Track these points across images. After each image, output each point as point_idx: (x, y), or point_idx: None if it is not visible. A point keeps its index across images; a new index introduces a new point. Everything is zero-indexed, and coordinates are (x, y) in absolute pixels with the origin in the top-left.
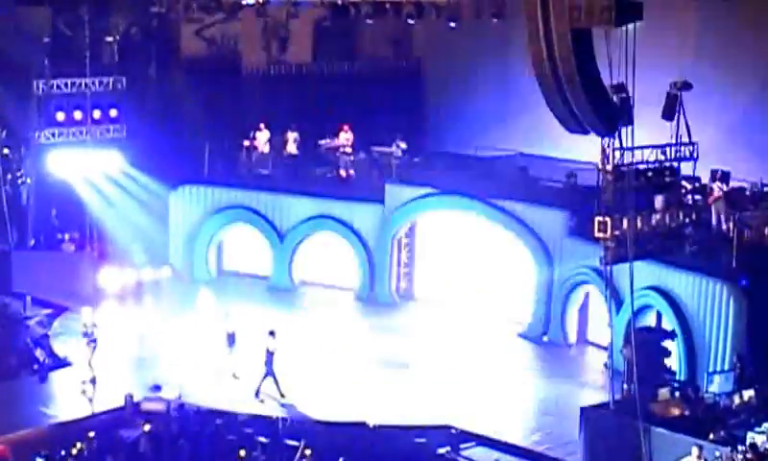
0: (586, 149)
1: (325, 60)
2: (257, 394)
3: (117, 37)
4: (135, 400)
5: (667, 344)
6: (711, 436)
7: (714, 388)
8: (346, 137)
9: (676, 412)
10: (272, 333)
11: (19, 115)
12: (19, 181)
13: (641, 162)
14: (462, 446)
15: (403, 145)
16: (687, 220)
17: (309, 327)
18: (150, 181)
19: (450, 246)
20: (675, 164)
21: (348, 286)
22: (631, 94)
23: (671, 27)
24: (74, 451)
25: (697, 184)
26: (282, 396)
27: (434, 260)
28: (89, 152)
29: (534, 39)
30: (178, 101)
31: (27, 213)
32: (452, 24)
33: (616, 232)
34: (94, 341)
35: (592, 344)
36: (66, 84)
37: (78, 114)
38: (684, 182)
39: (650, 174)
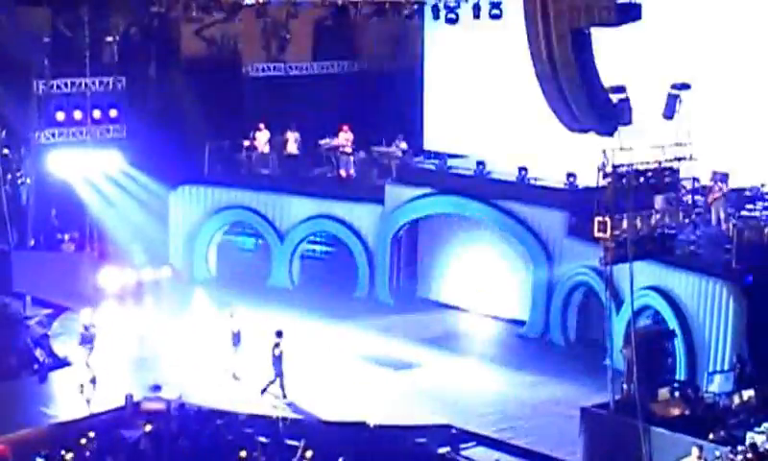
0: (586, 149)
1: (326, 60)
2: (263, 392)
3: (117, 37)
4: (136, 400)
5: (667, 344)
6: (711, 436)
7: (714, 388)
8: (345, 137)
9: (676, 412)
10: (279, 334)
11: (19, 115)
12: (19, 181)
13: (641, 162)
14: (462, 446)
15: (403, 145)
16: (687, 220)
17: (309, 327)
18: (150, 181)
19: (450, 246)
20: (675, 164)
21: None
22: (630, 94)
23: (671, 26)
24: (73, 453)
25: (697, 185)
26: (284, 396)
27: (434, 260)
28: (89, 152)
29: (534, 40)
30: (177, 101)
31: (27, 213)
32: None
33: (616, 232)
34: (91, 341)
35: (592, 344)
36: (66, 84)
37: (78, 114)
38: (683, 183)
39: (650, 174)
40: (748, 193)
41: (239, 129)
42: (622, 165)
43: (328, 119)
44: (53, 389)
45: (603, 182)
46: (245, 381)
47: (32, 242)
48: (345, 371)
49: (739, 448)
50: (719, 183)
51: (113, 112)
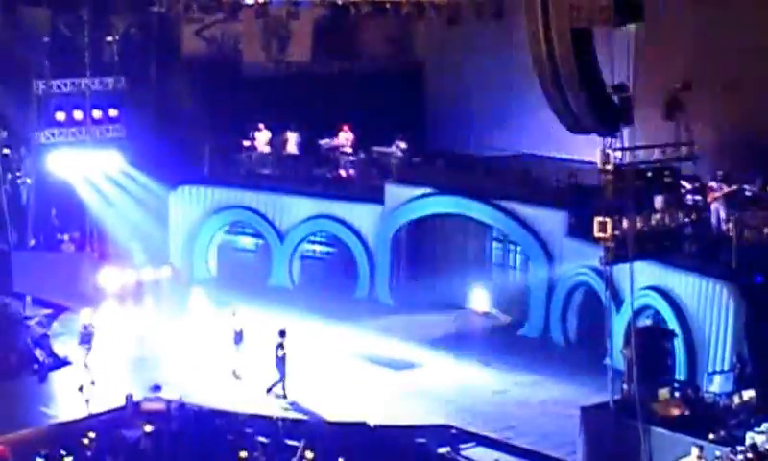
0: (586, 149)
1: (326, 59)
2: (269, 391)
3: (117, 37)
4: (136, 400)
5: (667, 344)
6: (711, 436)
7: (714, 388)
8: (345, 137)
9: (676, 412)
10: (282, 333)
11: (19, 115)
12: (19, 181)
13: (641, 162)
14: (462, 446)
15: (403, 145)
16: (687, 220)
17: (309, 327)
18: (150, 181)
19: (449, 244)
20: (675, 164)
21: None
22: (631, 94)
23: (672, 26)
24: (73, 454)
25: (697, 184)
26: (285, 396)
27: (434, 260)
28: (89, 152)
29: (534, 39)
30: (178, 101)
31: (27, 213)
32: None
33: (616, 232)
34: (89, 341)
35: (592, 344)
36: (66, 84)
37: (78, 114)
38: (683, 183)
39: (650, 174)
40: (748, 193)
41: (239, 129)
42: (622, 165)
43: (328, 119)
44: (53, 389)
45: (603, 182)
46: (246, 381)
47: (32, 242)
48: (345, 371)
49: (739, 448)
50: (719, 183)
51: (113, 112)
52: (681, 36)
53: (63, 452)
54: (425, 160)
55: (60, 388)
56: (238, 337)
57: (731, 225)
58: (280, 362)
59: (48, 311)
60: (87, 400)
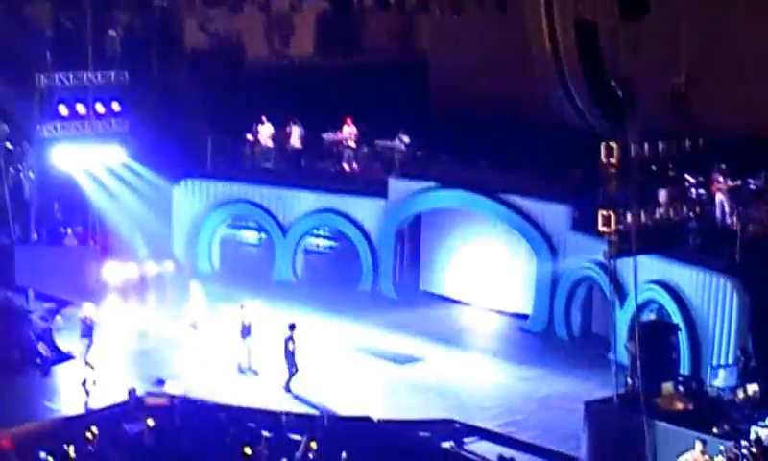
0: (588, 143)
1: (328, 53)
2: (288, 389)
3: (120, 31)
4: (139, 394)
5: (671, 338)
6: (715, 430)
7: (718, 382)
8: (349, 131)
9: (680, 406)
10: (292, 327)
11: (22, 109)
12: (22, 176)
13: (645, 156)
14: (465, 440)
15: (406, 139)
16: (691, 214)
17: (312, 321)
18: (152, 175)
19: (454, 239)
20: (679, 158)
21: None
22: (635, 88)
23: (675, 20)
24: (77, 445)
25: (701, 178)
26: (289, 390)
27: (437, 254)
28: (92, 146)
29: (538, 33)
30: (180, 95)
31: (30, 207)
32: (455, 17)
33: (620, 227)
34: (89, 335)
35: (596, 338)
36: (69, 78)
37: (80, 108)
38: (687, 177)
39: (654, 168)
40: (752, 187)
41: (242, 123)
42: (626, 159)
43: (331, 113)
44: (56, 383)
45: (607, 177)
46: (251, 374)
47: (34, 236)
48: (348, 365)
49: (743, 442)
50: (723, 177)
51: (116, 106)
52: (684, 29)
53: (66, 446)
54: (428, 154)
55: (63, 382)
56: (246, 331)
57: (735, 219)
58: (290, 356)
59: (51, 305)
60: (88, 395)
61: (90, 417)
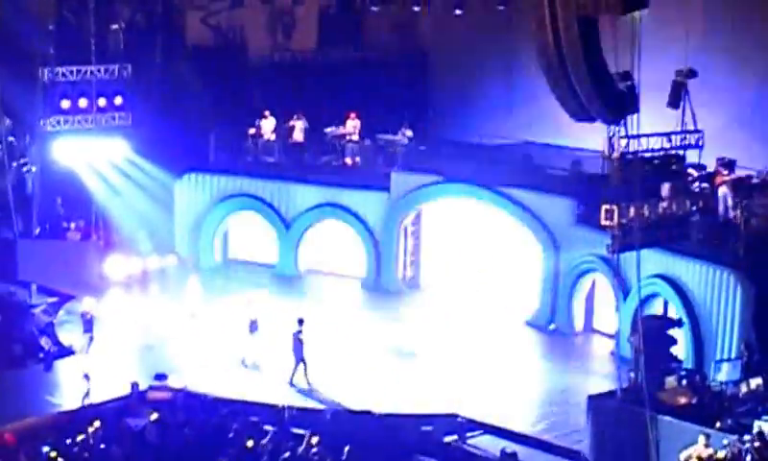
0: (591, 137)
1: (331, 47)
2: (309, 384)
3: (122, 25)
4: (141, 388)
5: (674, 332)
6: (718, 424)
7: (722, 376)
8: (353, 125)
9: (683, 400)
10: (301, 321)
11: (24, 103)
12: (24, 170)
13: (647, 150)
14: (468, 434)
15: (409, 133)
16: (694, 208)
17: (315, 316)
18: (155, 169)
19: (456, 234)
20: (681, 152)
21: (354, 274)
22: (636, 82)
23: (677, 14)
24: (79, 439)
25: (703, 172)
26: (292, 384)
27: (440, 248)
28: (94, 140)
29: (540, 27)
30: (183, 89)
31: (32, 202)
32: (458, 11)
33: (623, 220)
34: (89, 330)
35: (599, 332)
36: (71, 72)
37: (83, 102)
38: (690, 170)
39: (656, 162)
40: (755, 180)
41: (245, 116)
42: (629, 153)
43: (334, 107)
44: (58, 377)
45: (609, 170)
46: (252, 370)
47: (37, 230)
48: (350, 359)
49: (746, 436)
50: (725, 170)
51: (119, 100)
52: (685, 22)
53: (69, 441)
54: (431, 148)
55: (66, 376)
56: (253, 326)
57: (738, 212)
58: (299, 350)
59: (53, 300)
60: (88, 390)
61: (93, 411)
